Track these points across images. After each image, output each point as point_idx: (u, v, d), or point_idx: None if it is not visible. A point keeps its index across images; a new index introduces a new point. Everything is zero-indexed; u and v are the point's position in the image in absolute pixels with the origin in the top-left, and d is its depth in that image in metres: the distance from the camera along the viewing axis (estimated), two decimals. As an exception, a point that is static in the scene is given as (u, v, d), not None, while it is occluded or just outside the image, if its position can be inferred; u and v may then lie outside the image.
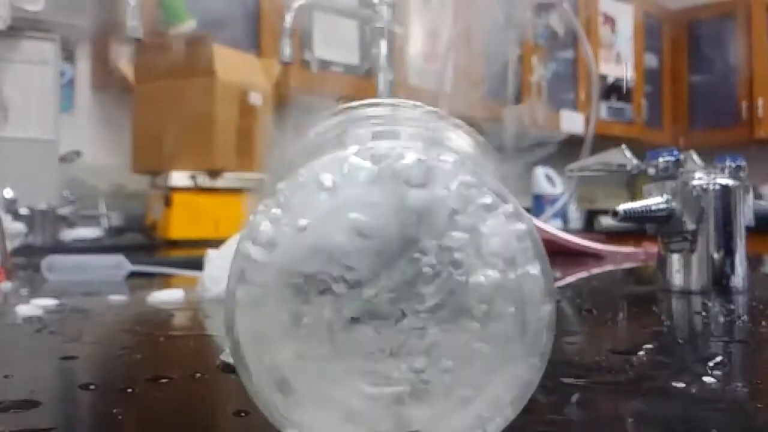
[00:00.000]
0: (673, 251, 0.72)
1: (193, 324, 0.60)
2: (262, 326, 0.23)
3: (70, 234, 1.85)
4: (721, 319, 0.56)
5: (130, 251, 1.09)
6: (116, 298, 0.69)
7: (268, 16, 2.23)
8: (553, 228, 1.33)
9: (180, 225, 1.82)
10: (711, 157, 0.74)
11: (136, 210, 2.03)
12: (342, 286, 0.22)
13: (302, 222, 0.22)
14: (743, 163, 0.72)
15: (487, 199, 0.22)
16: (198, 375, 0.36)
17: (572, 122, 3.21)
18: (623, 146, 0.79)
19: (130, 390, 0.33)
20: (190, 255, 1.24)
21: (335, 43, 2.49)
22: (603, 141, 1.32)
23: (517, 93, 3.04)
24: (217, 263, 0.69)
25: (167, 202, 1.83)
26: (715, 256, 0.69)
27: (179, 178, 1.84)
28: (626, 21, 3.73)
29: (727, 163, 0.71)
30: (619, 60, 3.67)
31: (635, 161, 0.77)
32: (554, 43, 3.30)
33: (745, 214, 0.71)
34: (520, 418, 0.22)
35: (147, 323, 0.58)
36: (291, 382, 0.23)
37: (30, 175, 1.83)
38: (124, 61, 1.93)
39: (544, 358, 0.22)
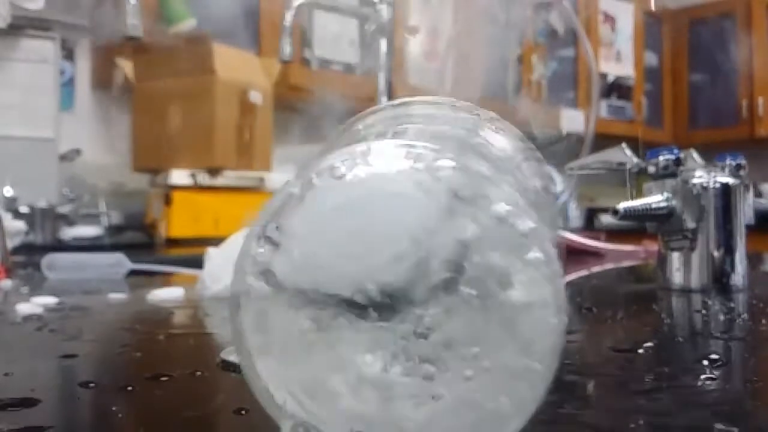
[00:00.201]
0: (673, 249, 0.72)
1: (193, 322, 0.60)
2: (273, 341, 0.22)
3: (70, 232, 1.85)
4: (721, 317, 0.56)
5: (130, 250, 1.09)
6: (116, 296, 0.69)
7: (268, 15, 2.23)
8: (553, 226, 1.33)
9: (180, 223, 1.82)
10: (711, 155, 0.74)
11: (136, 208, 2.03)
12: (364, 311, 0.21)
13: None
14: (743, 162, 0.72)
15: (523, 229, 0.20)
16: (198, 373, 0.36)
17: (572, 120, 3.21)
18: (623, 144, 0.79)
19: (130, 388, 0.33)
20: (190, 253, 1.24)
21: (335, 41, 2.48)
22: (603, 139, 1.32)
23: (517, 91, 3.04)
24: (217, 261, 0.69)
25: (167, 201, 1.83)
26: (715, 254, 0.69)
27: (179, 176, 1.84)
28: (626, 19, 3.73)
29: (728, 161, 0.71)
30: (619, 58, 3.67)
31: (635, 159, 0.77)
32: (554, 42, 3.29)
33: (745, 213, 0.71)
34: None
35: (147, 321, 0.58)
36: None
37: (30, 174, 1.83)
38: (124, 59, 1.93)
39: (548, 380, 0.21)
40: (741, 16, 3.65)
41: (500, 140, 0.29)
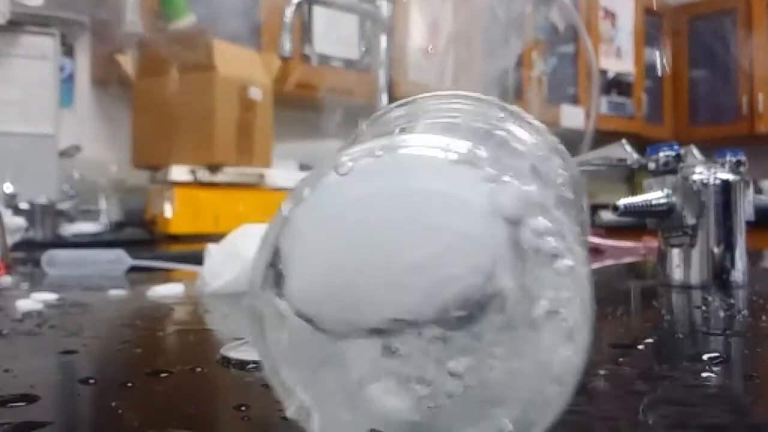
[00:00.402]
0: (673, 246, 0.72)
1: (193, 318, 0.60)
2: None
3: (70, 229, 1.85)
4: (721, 314, 0.56)
5: (130, 246, 1.09)
6: (116, 292, 0.69)
7: (268, 11, 2.22)
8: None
9: (180, 220, 1.82)
10: (711, 151, 0.74)
11: (136, 205, 2.03)
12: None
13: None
14: (743, 158, 0.72)
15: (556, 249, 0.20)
16: (198, 369, 0.36)
17: (573, 117, 3.21)
18: (623, 141, 0.79)
19: (130, 384, 0.33)
20: (190, 250, 1.24)
21: (335, 37, 2.48)
22: (603, 136, 1.32)
23: (517, 88, 3.04)
24: (217, 258, 0.69)
25: (168, 199, 1.83)
26: (715, 250, 0.69)
27: (179, 172, 1.84)
28: (627, 16, 3.73)
29: (728, 157, 0.71)
30: (619, 55, 3.66)
31: (635, 156, 0.77)
32: (554, 38, 3.29)
33: (745, 209, 0.71)
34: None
35: (147, 318, 0.58)
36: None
37: (30, 170, 1.83)
38: (123, 56, 1.92)
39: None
40: (741, 13, 3.65)
41: (526, 135, 0.29)
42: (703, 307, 0.60)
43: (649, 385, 0.32)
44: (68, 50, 2.12)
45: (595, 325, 0.20)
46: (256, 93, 1.94)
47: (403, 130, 0.26)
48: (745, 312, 0.57)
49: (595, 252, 1.24)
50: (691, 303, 0.63)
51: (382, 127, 0.28)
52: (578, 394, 0.20)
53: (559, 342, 0.20)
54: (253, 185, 1.99)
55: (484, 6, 1.78)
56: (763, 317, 0.54)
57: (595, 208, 3.41)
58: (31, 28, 1.86)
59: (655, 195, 0.71)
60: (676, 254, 0.72)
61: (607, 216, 3.12)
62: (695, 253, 0.70)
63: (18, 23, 1.78)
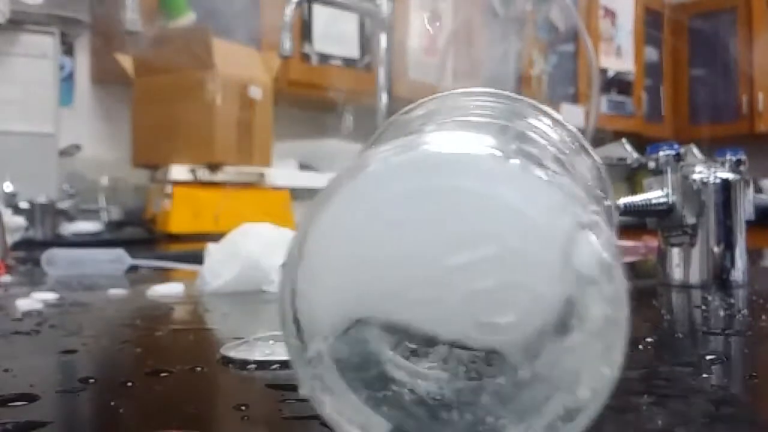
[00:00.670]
0: (673, 245, 0.72)
1: (193, 318, 0.60)
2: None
3: (69, 228, 1.85)
4: (721, 313, 0.56)
5: (130, 245, 1.09)
6: (116, 292, 0.69)
7: (268, 10, 2.22)
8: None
9: (180, 219, 1.82)
10: (711, 150, 0.74)
11: (136, 204, 2.03)
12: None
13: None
14: (743, 157, 0.72)
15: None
16: (198, 369, 0.36)
17: (573, 116, 3.21)
18: (623, 140, 0.79)
19: (129, 384, 0.33)
20: (190, 249, 1.24)
21: (335, 36, 2.48)
22: (603, 135, 1.32)
23: (517, 86, 3.04)
24: (217, 257, 0.69)
25: (168, 197, 1.83)
26: (715, 249, 0.69)
27: (179, 171, 1.84)
28: (626, 14, 3.73)
29: (728, 156, 0.71)
30: (619, 53, 3.66)
31: (635, 155, 0.77)
32: (555, 37, 3.29)
33: (745, 208, 0.71)
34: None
35: (147, 317, 0.58)
36: None
37: (30, 169, 1.83)
38: (123, 54, 1.92)
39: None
40: (741, 11, 3.65)
41: (553, 131, 0.29)
42: (703, 307, 0.60)
43: (649, 385, 0.32)
44: (68, 49, 2.12)
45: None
46: (256, 92, 1.93)
47: (434, 128, 0.26)
48: (745, 311, 0.57)
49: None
50: (691, 302, 0.63)
51: (407, 126, 0.28)
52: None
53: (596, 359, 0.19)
54: (253, 184, 1.99)
55: (484, 4, 1.78)
56: (763, 317, 0.54)
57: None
58: (31, 27, 1.86)
59: (655, 194, 0.71)
60: (676, 253, 0.72)
61: (607, 215, 3.12)
62: (695, 253, 0.70)
63: (18, 22, 1.78)
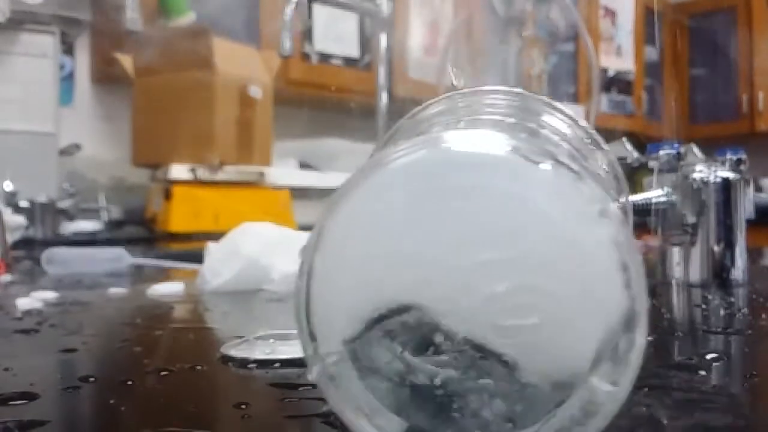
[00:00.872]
0: (673, 244, 0.72)
1: (193, 317, 0.60)
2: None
3: (70, 227, 1.85)
4: (721, 312, 0.56)
5: (130, 244, 1.09)
6: (116, 290, 0.69)
7: (268, 9, 2.22)
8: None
9: (180, 218, 1.82)
10: (711, 150, 0.74)
11: (136, 203, 2.03)
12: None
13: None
14: (743, 156, 0.72)
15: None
16: (198, 367, 0.36)
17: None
18: (624, 139, 0.79)
19: (130, 383, 0.33)
20: (190, 248, 1.24)
21: (335, 35, 2.48)
22: (604, 134, 1.32)
23: (517, 86, 3.03)
24: (217, 256, 0.69)
25: (167, 195, 1.83)
26: (716, 248, 0.69)
27: (179, 171, 1.84)
28: (627, 14, 3.72)
29: (728, 156, 0.71)
30: (619, 53, 3.66)
31: (636, 154, 0.77)
32: (555, 36, 3.29)
33: (745, 207, 0.71)
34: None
35: (147, 316, 0.58)
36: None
37: (30, 168, 1.83)
38: (123, 54, 1.92)
39: None
40: (741, 11, 3.64)
41: (567, 128, 0.29)
42: (703, 306, 0.60)
43: (648, 383, 0.32)
44: (68, 48, 2.12)
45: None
46: (256, 91, 1.93)
47: (451, 126, 0.25)
48: (745, 310, 0.57)
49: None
50: (691, 301, 0.63)
51: (422, 125, 0.28)
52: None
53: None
54: (253, 183, 1.99)
55: (484, 4, 1.78)
56: (763, 315, 0.54)
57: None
58: (31, 26, 1.86)
59: (655, 193, 0.70)
60: (676, 252, 0.72)
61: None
62: (695, 252, 0.70)
63: (18, 21, 1.78)
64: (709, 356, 0.38)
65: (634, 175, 0.74)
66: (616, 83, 3.65)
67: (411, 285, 0.19)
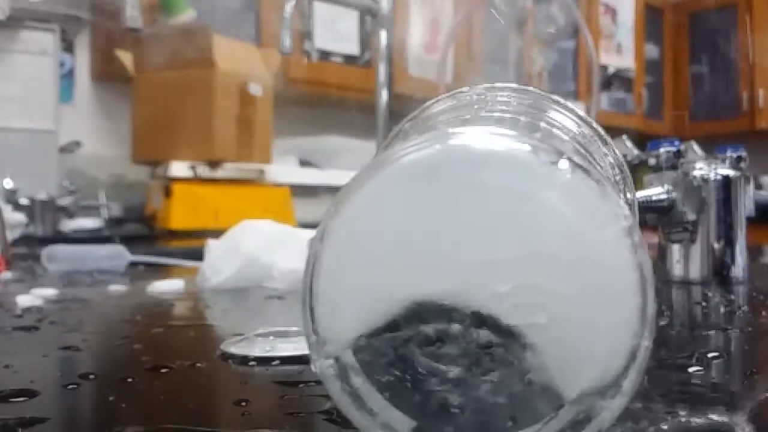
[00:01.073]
0: (673, 241, 0.72)
1: (193, 314, 0.60)
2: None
3: (70, 224, 1.85)
4: (722, 310, 0.56)
5: (130, 241, 1.09)
6: (116, 288, 0.69)
7: (268, 7, 2.22)
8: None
9: (180, 215, 1.82)
10: (712, 147, 0.74)
11: (136, 200, 2.03)
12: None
13: None
14: (744, 154, 0.72)
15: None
16: (198, 365, 0.36)
17: (573, 113, 3.20)
18: (624, 136, 0.79)
19: (129, 380, 0.33)
20: (190, 245, 1.24)
21: (335, 33, 2.48)
22: (604, 131, 1.32)
23: (518, 83, 3.03)
24: (218, 253, 0.69)
25: (167, 193, 1.83)
26: (716, 246, 0.69)
27: (179, 168, 1.84)
28: (627, 11, 3.72)
29: (728, 153, 0.71)
30: (620, 50, 3.66)
31: (636, 151, 0.77)
32: (555, 34, 3.29)
33: (745, 205, 0.71)
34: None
35: (147, 313, 0.58)
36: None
37: (30, 166, 1.83)
38: (123, 51, 1.92)
39: None
40: (742, 8, 3.64)
41: (575, 125, 0.29)
42: (703, 303, 0.60)
43: (648, 381, 0.32)
44: (68, 46, 2.12)
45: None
46: (256, 89, 1.93)
47: (458, 123, 0.25)
48: (746, 308, 0.57)
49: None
50: (691, 299, 0.63)
51: (429, 122, 0.28)
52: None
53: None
54: (253, 181, 1.99)
55: (485, 1, 1.78)
56: (764, 313, 0.54)
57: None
58: (31, 24, 1.86)
59: (655, 191, 0.70)
60: (676, 250, 0.72)
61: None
62: (695, 249, 0.70)
63: (18, 19, 1.78)
64: (709, 354, 0.38)
65: (634, 173, 0.73)
66: (617, 81, 3.65)
67: (419, 282, 0.19)
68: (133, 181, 2.10)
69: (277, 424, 0.26)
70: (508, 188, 0.19)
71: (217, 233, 0.72)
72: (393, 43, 1.47)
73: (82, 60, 2.17)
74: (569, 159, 0.19)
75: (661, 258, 0.73)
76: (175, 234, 1.80)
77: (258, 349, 0.37)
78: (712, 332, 0.47)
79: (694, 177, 0.69)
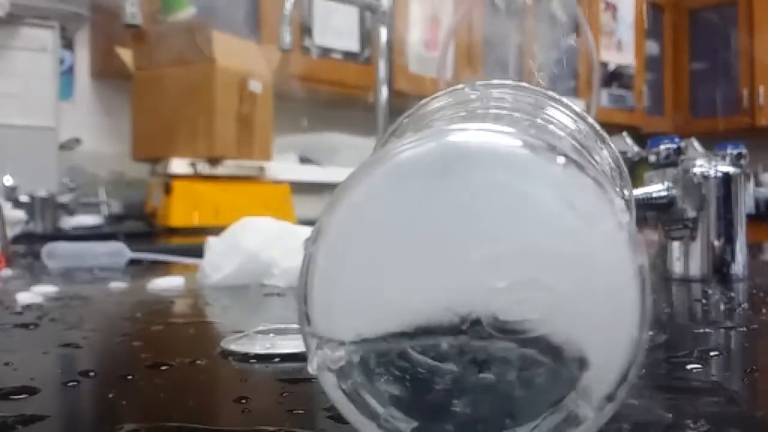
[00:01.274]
0: (673, 239, 0.72)
1: (193, 311, 0.60)
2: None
3: (70, 221, 1.85)
4: (722, 307, 0.56)
5: (130, 239, 1.10)
6: (116, 285, 0.69)
7: (268, 3, 2.22)
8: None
9: (180, 212, 1.82)
10: (712, 144, 0.74)
11: (136, 197, 2.03)
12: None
13: None
14: (744, 151, 0.72)
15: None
16: (198, 362, 0.36)
17: (573, 110, 3.20)
18: (624, 133, 0.79)
19: (129, 377, 0.33)
20: (190, 242, 1.24)
21: (335, 29, 2.48)
22: (604, 128, 1.32)
23: (518, 80, 3.03)
24: (218, 250, 0.69)
25: (167, 190, 1.83)
26: (716, 243, 0.69)
27: (179, 165, 1.84)
28: (627, 8, 3.72)
29: (728, 150, 0.71)
30: (620, 47, 3.65)
31: (636, 148, 0.77)
32: (555, 30, 3.28)
33: (745, 202, 0.71)
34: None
35: (147, 310, 0.58)
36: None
37: (30, 163, 1.83)
38: (123, 48, 1.92)
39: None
40: (742, 5, 3.64)
41: (572, 123, 0.29)
42: (704, 300, 0.60)
43: (648, 379, 0.32)
44: (68, 43, 2.11)
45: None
46: (256, 85, 1.93)
47: (455, 120, 0.25)
48: (746, 305, 0.57)
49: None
50: (691, 296, 0.63)
51: (425, 119, 0.28)
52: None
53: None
54: (253, 178, 1.99)
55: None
56: (764, 310, 0.54)
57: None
58: (31, 21, 1.86)
59: (655, 188, 0.70)
60: (676, 247, 0.72)
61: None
62: (695, 246, 0.70)
63: (18, 16, 1.78)
64: (708, 351, 0.38)
65: (634, 170, 0.73)
66: (617, 77, 3.65)
67: (415, 280, 0.19)
68: (133, 178, 2.10)
69: (277, 421, 0.26)
70: (504, 185, 0.19)
71: (217, 230, 0.72)
72: (393, 39, 1.47)
73: (82, 57, 2.17)
74: (565, 155, 0.18)
75: (661, 255, 0.73)
76: (175, 231, 1.80)
77: (258, 346, 0.37)
78: (712, 330, 0.47)
79: (695, 174, 0.69)
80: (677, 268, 0.71)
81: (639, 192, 0.70)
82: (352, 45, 2.53)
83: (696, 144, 0.74)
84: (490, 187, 0.19)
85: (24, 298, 0.58)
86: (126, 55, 1.92)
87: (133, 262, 0.91)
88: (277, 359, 0.36)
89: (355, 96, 2.34)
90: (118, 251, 0.91)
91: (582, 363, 0.19)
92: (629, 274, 0.18)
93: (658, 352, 0.39)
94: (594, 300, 0.19)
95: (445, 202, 0.19)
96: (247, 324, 0.42)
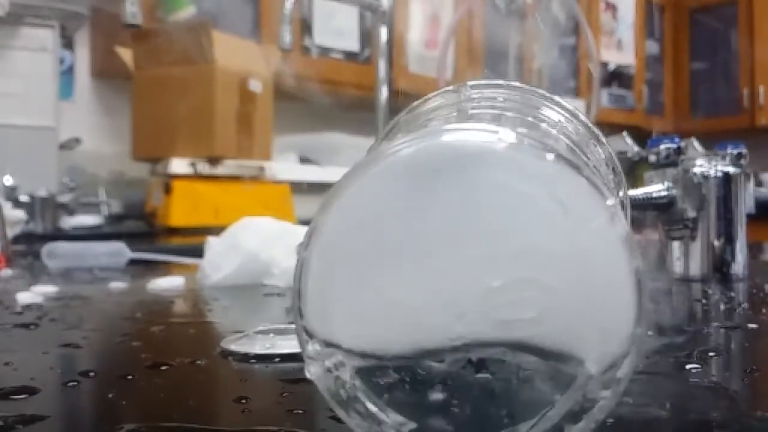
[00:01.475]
0: (673, 239, 0.72)
1: (193, 311, 0.60)
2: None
3: (70, 221, 1.85)
4: (722, 307, 0.56)
5: (130, 238, 1.09)
6: (116, 285, 0.69)
7: (268, 3, 2.22)
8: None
9: (180, 212, 1.82)
10: (712, 144, 0.74)
11: (136, 197, 2.03)
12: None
13: None
14: (744, 151, 0.72)
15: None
16: (198, 362, 0.36)
17: (573, 110, 3.20)
18: (624, 133, 0.79)
19: (129, 377, 0.33)
20: (190, 242, 1.24)
21: (335, 29, 2.47)
22: (604, 128, 1.32)
23: (518, 80, 3.03)
24: (218, 250, 0.69)
25: (167, 190, 1.83)
26: (716, 243, 0.69)
27: (179, 165, 1.84)
28: (627, 7, 3.71)
29: (728, 150, 0.71)
30: (620, 47, 3.65)
31: (636, 148, 0.77)
32: (555, 30, 3.28)
33: (745, 202, 0.71)
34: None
35: (147, 310, 0.58)
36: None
37: (30, 163, 1.83)
38: (123, 48, 1.92)
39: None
40: (742, 5, 3.63)
41: (565, 121, 0.29)
42: (704, 300, 0.60)
43: (648, 378, 0.32)
44: (68, 42, 2.11)
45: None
46: (256, 85, 1.93)
47: (450, 120, 0.25)
48: (746, 305, 0.57)
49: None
50: (692, 296, 0.63)
51: (420, 119, 0.28)
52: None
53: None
54: (254, 178, 1.99)
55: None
56: (764, 310, 0.54)
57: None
58: (31, 20, 1.86)
59: (655, 188, 0.70)
60: (676, 247, 0.72)
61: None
62: (696, 246, 0.70)
63: (18, 15, 1.78)
64: (708, 351, 0.38)
65: (634, 169, 0.73)
66: (617, 77, 3.65)
67: (410, 281, 0.19)
68: (133, 178, 2.09)
69: (277, 421, 0.26)
70: (497, 185, 0.19)
71: (217, 230, 0.72)
72: (393, 39, 1.47)
73: (82, 56, 2.17)
74: (558, 154, 0.19)
75: (661, 255, 0.73)
76: (175, 231, 1.80)
77: (258, 347, 0.37)
78: (712, 329, 0.47)
79: (695, 174, 0.69)
80: (677, 268, 0.71)
81: (639, 192, 0.70)
82: (352, 45, 2.53)
83: (696, 144, 0.74)
84: (483, 187, 0.19)
85: (24, 298, 0.58)
86: (126, 54, 1.92)
87: (133, 262, 0.91)
88: (277, 359, 0.36)
89: (355, 96, 2.34)
90: (118, 251, 0.91)
91: (578, 361, 0.19)
92: (623, 272, 0.18)
93: (658, 352, 0.39)
94: (589, 298, 0.19)
95: (438, 203, 0.19)
96: (247, 324, 0.42)
